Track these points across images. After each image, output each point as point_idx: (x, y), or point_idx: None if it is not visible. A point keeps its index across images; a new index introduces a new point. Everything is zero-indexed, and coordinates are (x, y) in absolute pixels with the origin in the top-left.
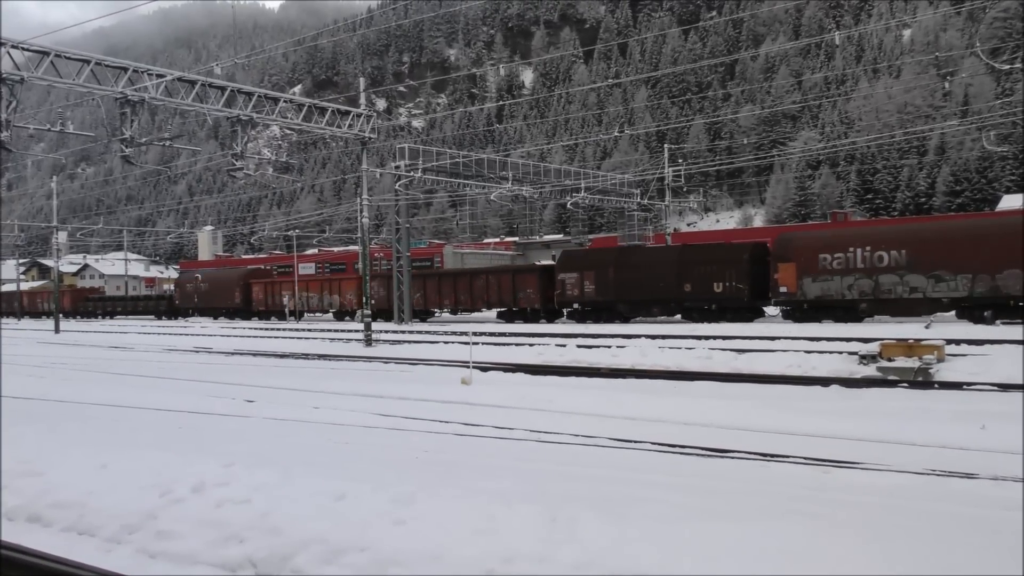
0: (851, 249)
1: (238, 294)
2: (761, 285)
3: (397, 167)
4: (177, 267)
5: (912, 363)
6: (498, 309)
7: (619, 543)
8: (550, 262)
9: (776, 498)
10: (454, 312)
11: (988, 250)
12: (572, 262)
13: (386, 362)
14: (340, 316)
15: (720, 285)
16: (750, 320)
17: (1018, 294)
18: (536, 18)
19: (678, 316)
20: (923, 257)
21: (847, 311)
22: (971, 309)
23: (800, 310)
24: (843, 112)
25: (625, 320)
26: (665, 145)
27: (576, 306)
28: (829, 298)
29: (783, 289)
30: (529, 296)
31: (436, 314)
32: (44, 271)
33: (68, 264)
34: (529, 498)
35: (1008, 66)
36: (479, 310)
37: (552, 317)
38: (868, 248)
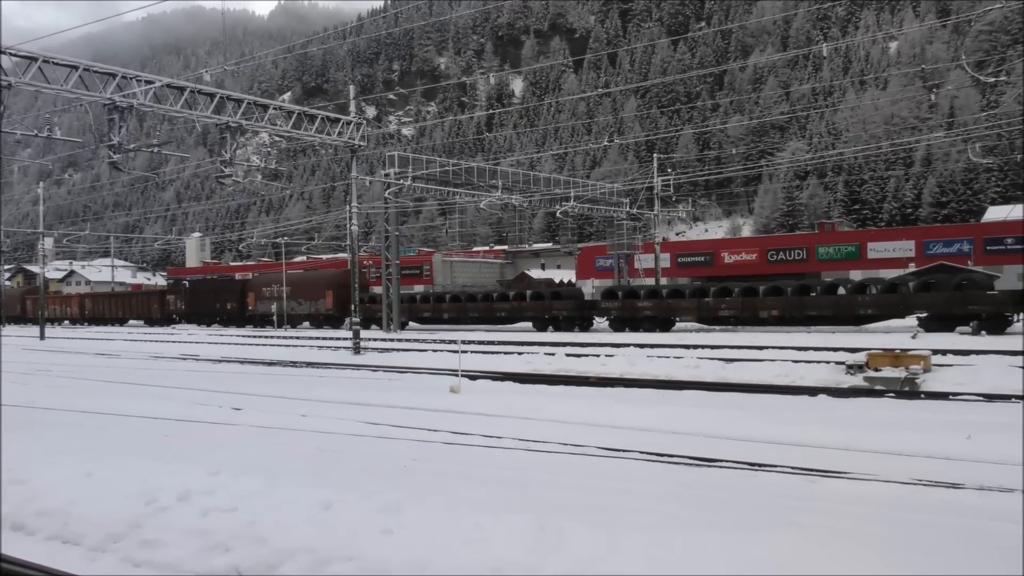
0: (273, 285)
1: (19, 306)
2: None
3: (387, 175)
4: (164, 274)
5: (899, 373)
6: (145, 319)
7: (608, 553)
8: (167, 286)
9: (765, 508)
10: (121, 323)
11: (315, 288)
12: (173, 288)
13: (374, 370)
14: (59, 322)
15: (230, 305)
16: (240, 326)
17: (327, 313)
18: (526, 27)
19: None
20: (295, 290)
21: (276, 321)
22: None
23: (253, 321)
24: (830, 123)
25: (208, 325)
26: (654, 154)
27: (175, 316)
28: (270, 314)
29: (251, 308)
30: (154, 309)
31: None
32: (30, 277)
33: (54, 271)
34: (517, 507)
35: (993, 79)
36: (126, 320)
37: (169, 323)
38: (276, 285)
